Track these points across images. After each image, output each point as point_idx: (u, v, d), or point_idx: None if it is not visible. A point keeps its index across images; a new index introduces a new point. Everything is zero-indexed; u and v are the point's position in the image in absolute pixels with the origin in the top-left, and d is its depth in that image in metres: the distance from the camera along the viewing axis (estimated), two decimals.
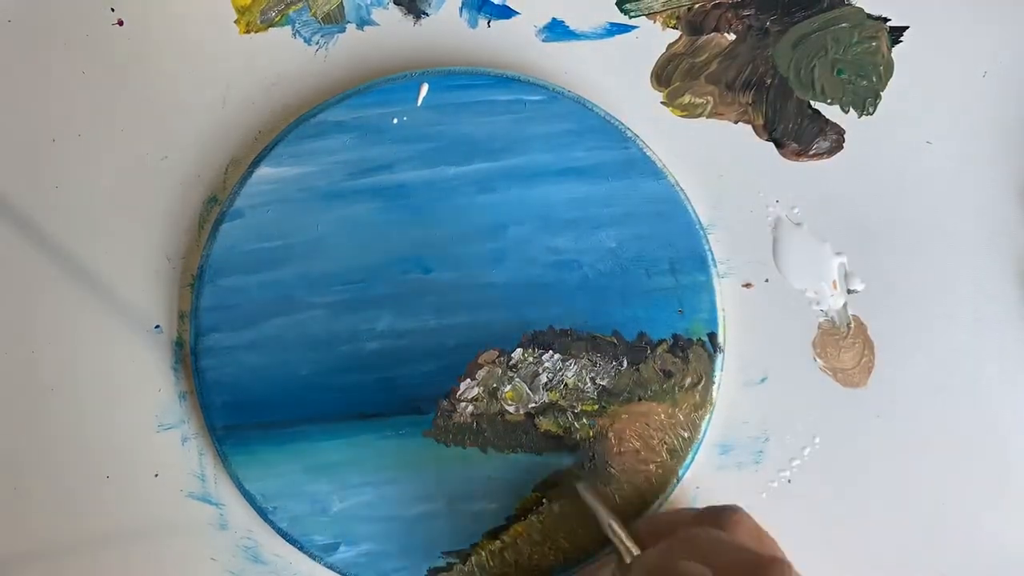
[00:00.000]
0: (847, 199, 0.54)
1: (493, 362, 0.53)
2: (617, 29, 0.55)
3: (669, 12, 0.55)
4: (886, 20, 0.55)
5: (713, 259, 0.53)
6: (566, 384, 0.53)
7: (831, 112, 0.55)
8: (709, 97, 0.55)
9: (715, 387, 0.53)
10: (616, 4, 0.55)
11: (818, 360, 0.54)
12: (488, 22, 0.56)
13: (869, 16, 0.55)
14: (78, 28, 0.56)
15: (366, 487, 0.53)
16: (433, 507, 0.52)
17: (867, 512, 0.53)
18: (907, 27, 0.55)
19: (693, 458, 0.53)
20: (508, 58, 0.55)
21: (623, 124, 0.53)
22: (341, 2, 0.56)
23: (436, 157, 0.53)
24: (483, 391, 0.53)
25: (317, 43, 0.56)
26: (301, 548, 0.53)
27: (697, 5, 0.55)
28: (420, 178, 0.53)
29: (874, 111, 0.55)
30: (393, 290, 0.53)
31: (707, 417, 0.53)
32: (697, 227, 0.53)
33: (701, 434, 0.53)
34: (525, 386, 0.53)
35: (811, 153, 0.55)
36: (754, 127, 0.55)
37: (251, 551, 0.54)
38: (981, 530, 0.53)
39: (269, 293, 0.53)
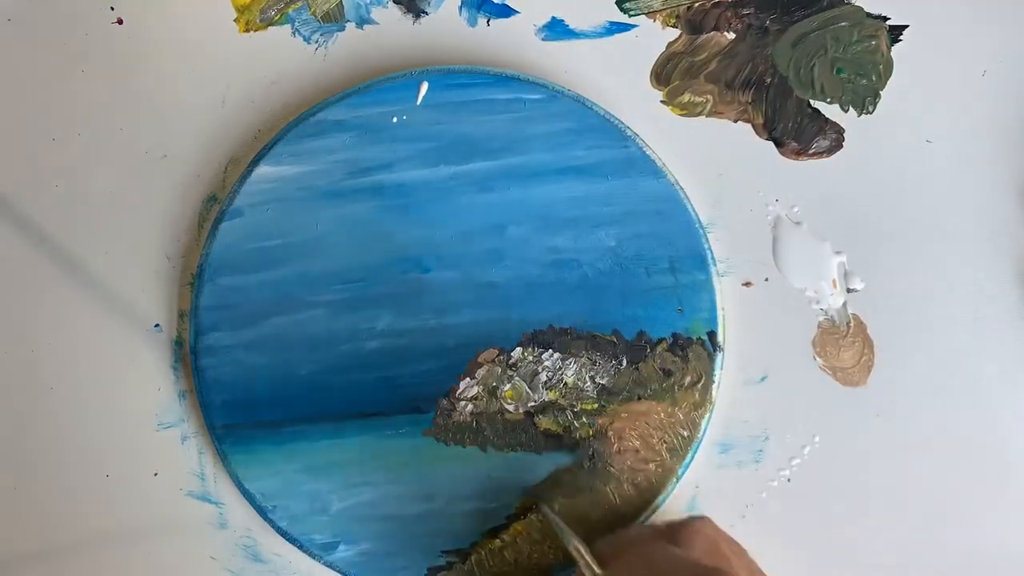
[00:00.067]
0: (847, 198, 0.54)
1: (493, 361, 0.53)
2: (617, 28, 0.55)
3: (669, 11, 0.55)
4: (886, 19, 0.55)
5: (713, 258, 0.53)
6: (566, 383, 0.53)
7: (831, 111, 0.55)
8: (709, 96, 0.55)
9: (715, 386, 0.53)
10: (616, 3, 0.55)
11: (818, 359, 0.54)
12: (488, 21, 0.56)
13: (869, 15, 0.55)
14: (78, 28, 0.56)
15: (366, 486, 0.53)
16: (433, 506, 0.52)
17: (867, 511, 0.53)
18: (907, 26, 0.55)
19: (693, 457, 0.53)
20: (507, 57, 0.55)
21: (623, 123, 0.53)
22: (340, 1, 0.56)
23: (436, 156, 0.53)
24: (483, 390, 0.53)
25: (316, 42, 0.56)
26: (301, 547, 0.53)
27: (697, 4, 0.55)
28: (419, 177, 0.53)
29: (874, 110, 0.55)
30: (393, 289, 0.53)
31: (707, 416, 0.53)
32: (697, 226, 0.53)
33: (701, 433, 0.53)
34: (525, 385, 0.53)
35: (811, 152, 0.55)
36: (754, 126, 0.55)
37: (251, 550, 0.54)
38: (981, 530, 0.53)
39: (269, 292, 0.53)
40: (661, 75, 0.55)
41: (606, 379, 0.53)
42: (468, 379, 0.53)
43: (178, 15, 0.56)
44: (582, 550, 0.47)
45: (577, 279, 0.53)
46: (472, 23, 0.56)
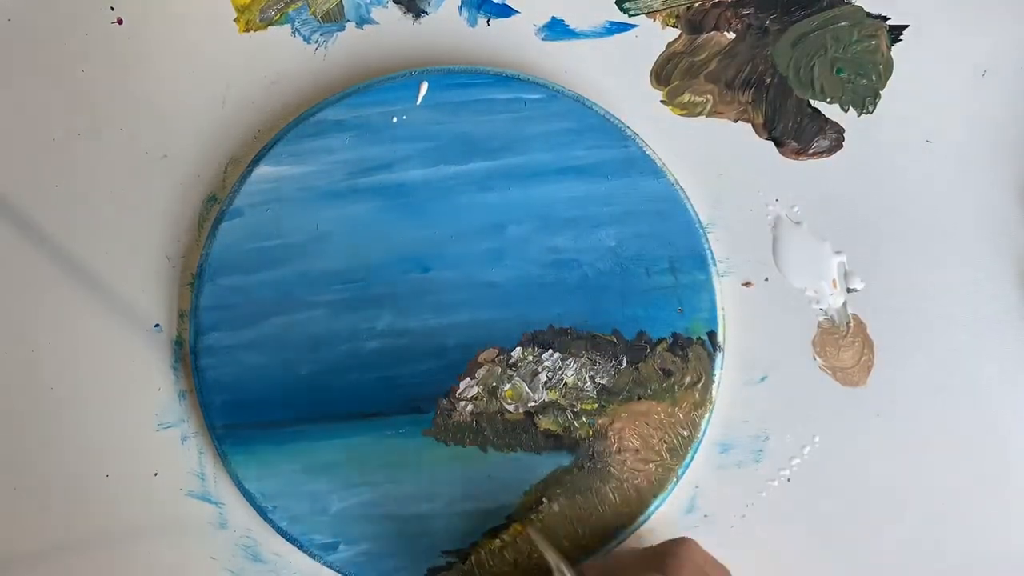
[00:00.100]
0: (847, 198, 0.54)
1: (493, 361, 0.53)
2: (617, 28, 0.55)
3: (669, 11, 0.55)
4: (886, 19, 0.55)
5: (713, 258, 0.53)
6: (566, 383, 0.53)
7: (831, 111, 0.55)
8: (709, 96, 0.55)
9: (715, 386, 0.53)
10: (616, 3, 0.55)
11: (818, 359, 0.54)
12: (488, 21, 0.56)
13: (869, 15, 0.55)
14: (78, 28, 0.56)
15: (366, 486, 0.53)
16: (433, 506, 0.52)
17: (867, 511, 0.53)
18: (907, 26, 0.55)
19: (693, 457, 0.53)
20: (507, 57, 0.55)
21: (623, 123, 0.53)
22: (340, 1, 0.56)
23: (436, 156, 0.53)
24: (483, 390, 0.53)
25: (316, 42, 0.56)
26: (301, 547, 0.53)
27: (697, 4, 0.55)
28: (420, 177, 0.53)
29: (874, 110, 0.55)
30: (393, 289, 0.53)
31: (707, 416, 0.53)
32: (697, 226, 0.53)
33: (701, 433, 0.53)
34: (525, 385, 0.53)
35: (811, 152, 0.55)
36: (754, 126, 0.55)
37: (251, 550, 0.54)
38: (981, 530, 0.53)
39: (269, 292, 0.53)
40: (661, 75, 0.55)
41: (606, 379, 0.53)
42: (468, 379, 0.53)
43: (178, 15, 0.56)
44: (567, 573, 0.48)
45: (577, 279, 0.53)
46: (472, 23, 0.56)
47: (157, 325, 0.55)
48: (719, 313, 0.53)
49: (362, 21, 0.56)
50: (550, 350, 0.53)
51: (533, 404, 0.53)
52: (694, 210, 0.53)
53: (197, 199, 0.55)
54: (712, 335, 0.53)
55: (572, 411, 0.53)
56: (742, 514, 0.53)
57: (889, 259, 0.54)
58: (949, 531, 0.53)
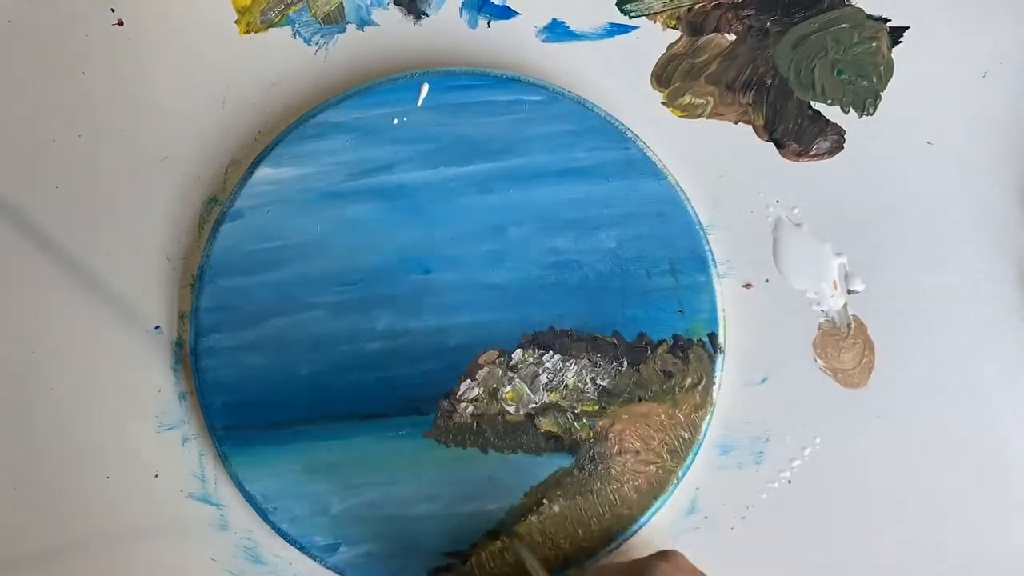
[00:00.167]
0: (847, 199, 0.54)
1: (493, 362, 0.53)
2: (617, 29, 0.55)
3: (669, 12, 0.55)
4: (886, 20, 0.55)
5: (713, 259, 0.53)
6: (566, 385, 0.53)
7: (831, 112, 0.55)
8: (709, 97, 0.55)
9: (715, 387, 0.53)
10: (616, 4, 0.55)
11: (818, 360, 0.54)
12: (488, 22, 0.56)
13: (869, 16, 0.55)
14: (78, 29, 0.56)
15: (366, 487, 0.53)
16: (433, 507, 0.52)
17: (867, 512, 0.53)
18: (907, 27, 0.55)
19: (693, 459, 0.53)
20: (508, 58, 0.55)
21: (623, 124, 0.53)
22: (341, 2, 0.56)
23: (436, 158, 0.53)
24: (483, 391, 0.53)
25: (317, 43, 0.56)
26: (301, 548, 0.53)
27: (697, 6, 0.55)
28: (420, 179, 0.53)
29: (874, 111, 0.55)
30: (393, 291, 0.53)
31: (707, 417, 0.53)
32: (697, 227, 0.53)
33: (701, 434, 0.53)
34: (525, 387, 0.53)
35: (811, 153, 0.55)
36: (754, 127, 0.55)
37: (251, 551, 0.54)
38: (981, 530, 0.53)
39: (269, 293, 0.53)
40: (662, 77, 0.55)
41: (607, 381, 0.53)
42: (469, 380, 0.53)
43: (178, 17, 0.56)
44: None
45: (578, 280, 0.53)
46: (473, 25, 0.56)
47: (157, 326, 0.55)
48: (720, 315, 0.53)
49: (363, 23, 0.56)
50: (551, 352, 0.53)
51: (534, 406, 0.53)
52: (695, 212, 0.53)
53: (198, 200, 0.55)
54: (713, 337, 0.53)
55: (573, 413, 0.53)
56: (742, 516, 0.54)
57: (889, 260, 0.54)
58: (949, 531, 0.53)
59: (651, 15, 0.55)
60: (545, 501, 0.52)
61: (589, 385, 0.53)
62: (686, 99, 0.55)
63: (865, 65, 0.55)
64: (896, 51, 0.55)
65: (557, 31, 0.55)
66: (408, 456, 0.53)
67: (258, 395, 0.53)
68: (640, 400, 0.53)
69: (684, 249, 0.53)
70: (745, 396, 0.54)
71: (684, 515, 0.53)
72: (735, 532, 0.53)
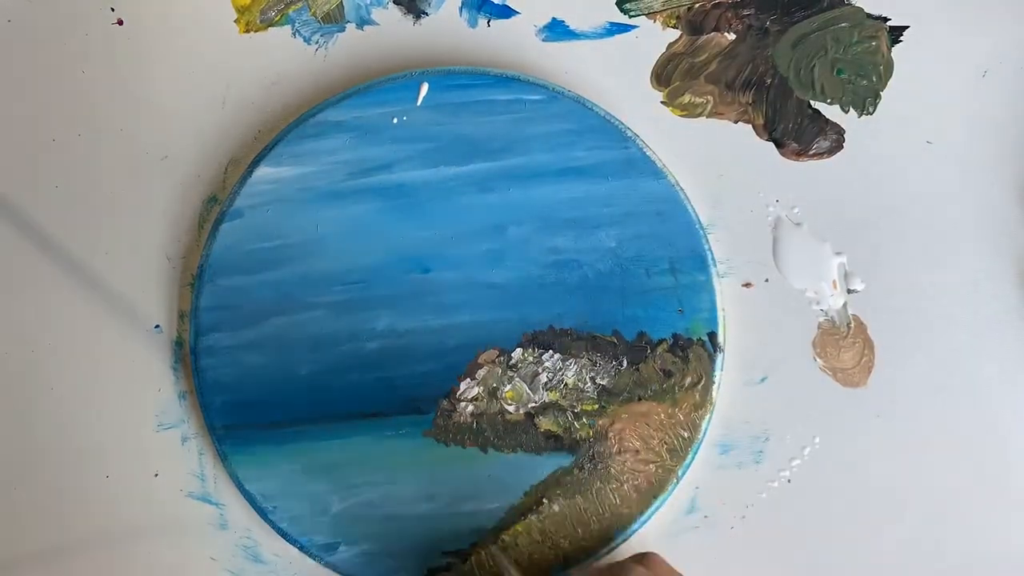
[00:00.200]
0: (847, 199, 0.54)
1: (493, 362, 0.53)
2: (617, 29, 0.55)
3: (669, 12, 0.55)
4: (886, 20, 0.55)
5: (713, 259, 0.53)
6: (566, 384, 0.53)
7: (831, 112, 0.55)
8: (709, 97, 0.55)
9: (715, 387, 0.53)
10: (616, 4, 0.55)
11: (818, 360, 0.54)
12: (488, 22, 0.56)
13: (869, 16, 0.55)
14: (78, 28, 0.56)
15: (366, 486, 0.53)
16: (433, 507, 0.52)
17: (867, 511, 0.53)
18: (907, 27, 0.55)
19: (693, 458, 0.53)
20: (508, 58, 0.55)
21: (623, 124, 0.53)
22: (341, 2, 0.56)
23: (436, 157, 0.53)
24: (483, 391, 0.53)
25: (317, 43, 0.56)
26: (301, 548, 0.53)
27: (697, 5, 0.55)
28: (420, 178, 0.53)
29: (874, 111, 0.55)
30: (393, 290, 0.53)
31: (707, 417, 0.53)
32: (697, 227, 0.53)
33: (701, 434, 0.53)
34: (525, 386, 0.53)
35: (811, 153, 0.55)
36: (754, 127, 0.55)
37: (251, 551, 0.54)
38: (981, 530, 0.53)
39: (269, 293, 0.53)
40: (661, 76, 0.55)
41: (606, 380, 0.53)
42: (468, 380, 0.53)
43: (178, 16, 0.56)
44: None
45: (577, 280, 0.53)
46: (472, 24, 0.56)
47: (157, 326, 0.55)
48: (719, 314, 0.53)
49: (362, 22, 0.56)
50: (550, 351, 0.53)
51: (533, 405, 0.53)
52: (694, 211, 0.53)
53: (197, 200, 0.55)
54: (712, 336, 0.53)
55: (572, 412, 0.53)
56: (742, 515, 0.54)
57: (889, 260, 0.54)
58: (949, 531, 0.53)
59: (651, 14, 0.55)
60: (545, 500, 0.52)
61: (589, 384, 0.53)
62: (686, 98, 0.55)
63: (865, 64, 0.55)
64: (896, 50, 0.55)
65: (557, 30, 0.55)
66: (408, 455, 0.53)
67: (258, 394, 0.53)
68: (640, 399, 0.53)
69: (684, 248, 0.53)
70: (745, 395, 0.54)
71: (684, 514, 0.53)
72: (735, 531, 0.53)
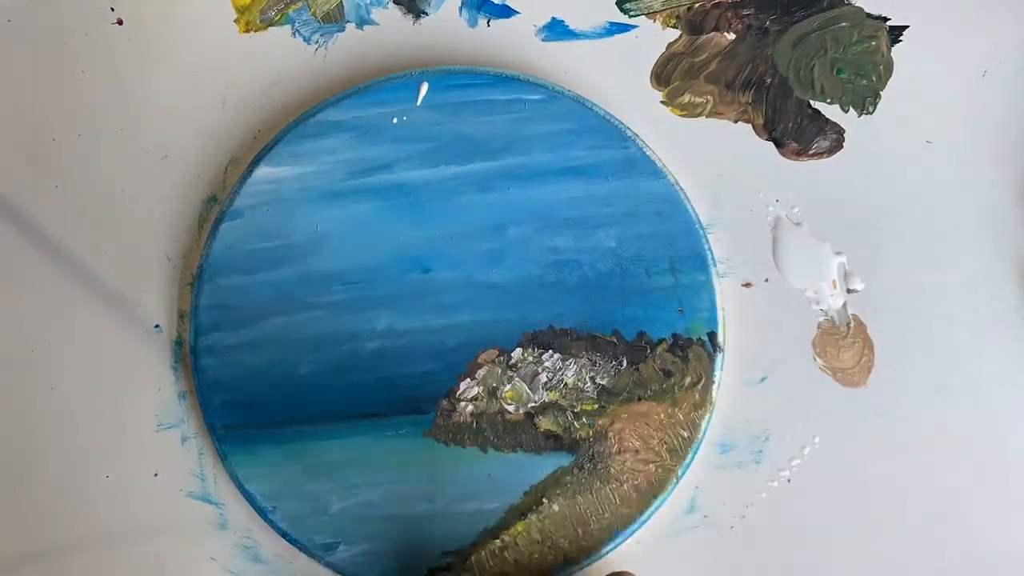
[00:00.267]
0: (847, 199, 0.54)
1: (493, 362, 0.53)
2: (617, 28, 0.55)
3: (669, 11, 0.55)
4: (886, 19, 0.55)
5: (713, 258, 0.53)
6: (566, 384, 0.53)
7: (831, 111, 0.55)
8: (709, 96, 0.55)
9: (715, 386, 0.53)
10: (616, 3, 0.55)
11: (818, 360, 0.54)
12: (488, 21, 0.56)
13: (869, 15, 0.55)
14: (78, 28, 0.56)
15: (366, 487, 0.53)
16: (433, 507, 0.52)
17: (867, 511, 0.53)
18: (907, 26, 0.55)
19: (693, 458, 0.53)
20: (508, 57, 0.55)
21: (623, 123, 0.53)
22: (340, 1, 0.56)
23: (436, 157, 0.53)
24: (483, 391, 0.53)
25: (317, 42, 0.56)
26: (301, 547, 0.53)
27: (697, 4, 0.55)
28: (420, 178, 0.53)
29: (874, 111, 0.55)
30: (393, 290, 0.53)
31: (707, 416, 0.53)
32: (697, 226, 0.53)
33: (701, 433, 0.53)
34: (525, 386, 0.53)
35: (811, 152, 0.55)
36: (754, 126, 0.55)
37: (251, 551, 0.54)
38: (981, 530, 0.53)
39: (269, 293, 0.53)
40: (661, 76, 0.55)
41: (606, 380, 0.53)
42: (468, 380, 0.53)
43: (178, 15, 0.56)
44: None
45: (577, 280, 0.53)
46: (472, 24, 0.56)
47: (157, 325, 0.55)
48: (719, 314, 0.53)
49: (362, 22, 0.56)
50: (550, 351, 0.53)
51: (533, 405, 0.53)
52: (694, 211, 0.53)
53: (197, 199, 0.55)
54: (712, 336, 0.53)
55: (572, 412, 0.53)
56: (742, 515, 0.53)
57: (889, 259, 0.54)
58: (949, 531, 0.53)
59: (651, 14, 0.55)
60: (544, 500, 0.52)
61: (588, 384, 0.53)
62: (686, 98, 0.55)
63: (865, 64, 0.55)
64: (896, 50, 0.55)
65: (557, 30, 0.55)
66: (408, 455, 0.53)
67: (257, 394, 0.53)
68: (640, 399, 0.53)
69: (684, 248, 0.53)
70: (745, 395, 0.54)
71: (683, 514, 0.53)
72: (734, 531, 0.53)
